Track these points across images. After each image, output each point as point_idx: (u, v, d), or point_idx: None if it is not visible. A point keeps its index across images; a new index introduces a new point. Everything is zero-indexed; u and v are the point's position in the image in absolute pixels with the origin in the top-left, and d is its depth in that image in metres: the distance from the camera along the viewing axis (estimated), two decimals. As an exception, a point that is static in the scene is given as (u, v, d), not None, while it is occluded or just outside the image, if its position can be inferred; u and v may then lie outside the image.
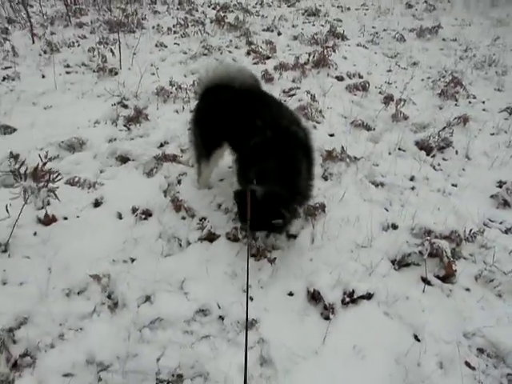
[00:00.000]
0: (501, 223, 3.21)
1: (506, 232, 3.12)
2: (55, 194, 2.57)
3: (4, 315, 2.24)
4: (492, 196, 3.50)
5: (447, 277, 2.66)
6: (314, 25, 9.11)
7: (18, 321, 2.24)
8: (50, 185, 2.47)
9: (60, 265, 2.59)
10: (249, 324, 2.25)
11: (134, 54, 6.16)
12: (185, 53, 6.62)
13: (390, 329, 2.34)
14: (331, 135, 4.40)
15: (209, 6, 10.16)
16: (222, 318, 2.37)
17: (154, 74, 5.59)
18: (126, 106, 4.59)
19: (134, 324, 2.28)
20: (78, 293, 2.47)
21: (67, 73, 5.52)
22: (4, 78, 5.19)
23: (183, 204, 3.09)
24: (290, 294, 2.55)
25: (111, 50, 5.88)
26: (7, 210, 2.52)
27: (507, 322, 2.38)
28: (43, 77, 5.33)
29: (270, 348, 2.20)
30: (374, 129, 4.60)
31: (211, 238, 2.87)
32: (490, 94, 5.90)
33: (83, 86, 5.06)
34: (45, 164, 2.49)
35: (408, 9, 11.24)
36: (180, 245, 2.86)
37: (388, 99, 5.27)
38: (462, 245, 2.87)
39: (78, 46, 6.47)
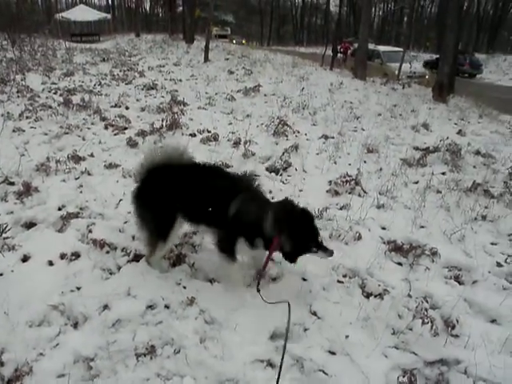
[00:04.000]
0: (336, 204, 4.65)
1: (340, 209, 4.55)
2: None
3: (-20, 350, 2.61)
4: (327, 191, 4.93)
5: (312, 241, 3.84)
6: (155, 97, 10.31)
7: (-2, 350, 2.64)
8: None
9: (14, 307, 2.96)
10: (189, 301, 3.06)
11: (-6, 140, 6.41)
12: (46, 134, 7.02)
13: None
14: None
15: (49, 92, 10.55)
16: (167, 306, 3.09)
17: (23, 154, 5.94)
18: (12, 183, 4.93)
19: (103, 325, 2.85)
20: (40, 324, 2.91)
21: None
22: None
23: (105, 241, 3.72)
24: (211, 281, 3.40)
25: (-29, 139, 6.08)
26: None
27: (355, 256, 3.63)
28: None
29: (210, 313, 3.00)
30: (232, 166, 5.78)
31: (138, 258, 3.56)
32: (309, 128, 7.79)
33: (-49, 175, 5.19)
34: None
35: (231, 75, 13.39)
36: (111, 273, 3.47)
37: (236, 143, 6.61)
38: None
39: None
